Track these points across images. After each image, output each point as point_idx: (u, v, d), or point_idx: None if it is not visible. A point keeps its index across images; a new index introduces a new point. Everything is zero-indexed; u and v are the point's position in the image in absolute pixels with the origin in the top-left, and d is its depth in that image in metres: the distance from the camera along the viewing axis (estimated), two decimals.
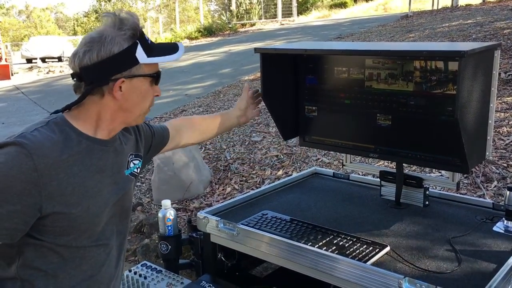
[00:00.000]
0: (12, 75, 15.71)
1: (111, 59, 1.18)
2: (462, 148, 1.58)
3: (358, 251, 1.55)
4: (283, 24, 16.76)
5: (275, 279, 1.95)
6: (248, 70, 8.55)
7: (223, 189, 3.86)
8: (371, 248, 1.57)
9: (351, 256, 1.51)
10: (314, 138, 2.09)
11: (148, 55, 1.22)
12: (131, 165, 1.38)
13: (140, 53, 1.21)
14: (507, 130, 3.43)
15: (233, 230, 1.76)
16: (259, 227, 1.75)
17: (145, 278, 1.94)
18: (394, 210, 1.91)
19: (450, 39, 6.92)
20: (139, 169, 1.42)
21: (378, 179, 2.03)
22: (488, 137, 1.73)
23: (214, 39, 16.09)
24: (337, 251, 1.54)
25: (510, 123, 3.52)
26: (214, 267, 1.90)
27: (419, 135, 1.75)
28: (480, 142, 1.71)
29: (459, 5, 12.47)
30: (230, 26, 17.35)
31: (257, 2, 17.77)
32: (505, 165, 2.99)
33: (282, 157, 4.07)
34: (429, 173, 2.94)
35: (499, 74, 4.47)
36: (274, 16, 18.10)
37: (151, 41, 1.26)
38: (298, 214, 1.89)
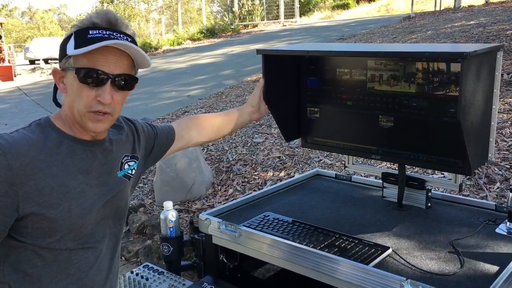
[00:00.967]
0: (15, 76, 15.76)
1: (60, 47, 1.19)
2: (464, 150, 1.58)
3: (360, 253, 1.54)
4: (285, 26, 16.76)
5: (277, 281, 1.95)
6: (250, 71, 8.55)
7: (225, 191, 3.86)
8: (373, 250, 1.57)
9: (353, 258, 1.51)
10: (316, 139, 2.09)
11: (77, 47, 1.13)
12: (126, 166, 1.35)
13: (70, 44, 1.14)
14: (509, 132, 3.42)
15: (235, 231, 1.76)
16: (261, 229, 1.75)
17: (146, 279, 1.94)
18: (396, 211, 1.90)
19: (453, 40, 6.91)
20: (134, 171, 1.38)
21: (380, 181, 2.03)
22: (491, 139, 1.73)
23: (217, 40, 16.10)
24: (339, 253, 1.54)
25: None
26: (216, 269, 1.90)
27: (421, 137, 1.74)
28: (482, 144, 1.71)
29: (461, 6, 12.45)
30: (233, 27, 17.36)
31: (260, 3, 17.76)
32: (508, 166, 2.99)
33: (284, 158, 4.07)
34: (431, 174, 2.93)
35: (502, 75, 4.47)
36: (277, 17, 18.10)
37: (100, 37, 1.13)
38: (300, 216, 1.89)
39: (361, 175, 2.72)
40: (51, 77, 15.06)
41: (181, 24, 22.69)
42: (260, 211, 1.96)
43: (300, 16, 18.30)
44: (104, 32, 1.14)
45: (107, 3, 26.94)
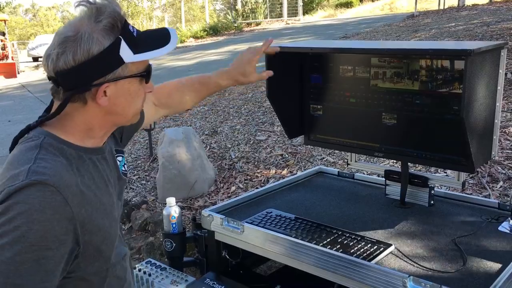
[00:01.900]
0: (18, 73, 15.79)
1: (91, 61, 1.00)
2: (467, 148, 1.57)
3: (362, 249, 1.55)
4: (288, 24, 16.75)
5: (279, 278, 1.95)
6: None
7: (227, 188, 3.87)
8: (375, 247, 1.57)
9: (355, 254, 1.51)
10: (319, 136, 2.09)
11: (135, 51, 1.04)
12: (118, 163, 1.26)
13: (124, 51, 1.03)
14: None
15: (237, 228, 1.76)
16: (263, 225, 1.75)
17: (149, 275, 1.94)
18: (399, 209, 1.90)
19: (456, 38, 6.89)
20: (125, 166, 1.29)
21: (383, 178, 2.03)
22: (494, 137, 1.73)
23: (220, 38, 16.10)
24: (341, 250, 1.54)
25: None
26: (218, 265, 1.90)
27: (424, 134, 1.74)
28: (486, 142, 1.71)
29: (465, 5, 12.42)
30: (236, 25, 17.35)
31: (263, 1, 17.77)
32: (511, 165, 2.98)
33: (287, 156, 4.07)
34: (434, 172, 2.93)
35: (506, 74, 4.45)
36: (280, 15, 18.09)
37: (136, 30, 1.08)
38: (302, 213, 1.89)
39: (364, 173, 2.73)
40: None
41: (184, 22, 22.69)
42: (262, 207, 1.96)
43: (303, 14, 18.29)
44: (131, 25, 1.08)
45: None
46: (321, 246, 1.56)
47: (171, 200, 2.02)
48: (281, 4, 18.11)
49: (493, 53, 1.62)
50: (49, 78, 1.05)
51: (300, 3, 17.77)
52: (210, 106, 6.50)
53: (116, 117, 1.12)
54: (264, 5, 17.74)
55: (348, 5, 20.61)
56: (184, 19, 23.45)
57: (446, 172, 2.85)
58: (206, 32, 17.27)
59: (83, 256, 1.04)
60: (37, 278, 0.93)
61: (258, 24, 17.60)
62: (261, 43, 1.68)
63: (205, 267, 1.99)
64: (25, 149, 1.02)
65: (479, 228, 1.71)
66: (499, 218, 1.77)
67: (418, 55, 1.69)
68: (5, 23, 18.02)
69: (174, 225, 2.00)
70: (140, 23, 26.06)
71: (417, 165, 2.99)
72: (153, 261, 2.06)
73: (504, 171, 2.93)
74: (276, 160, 4.04)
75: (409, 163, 1.92)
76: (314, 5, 22.17)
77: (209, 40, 16.22)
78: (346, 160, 2.28)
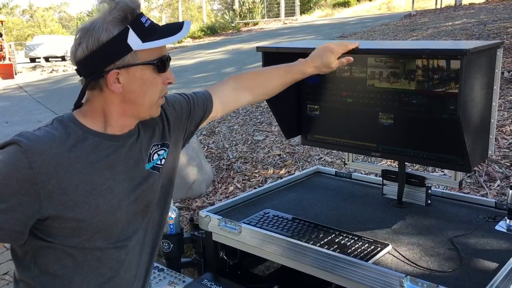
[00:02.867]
0: (15, 74, 15.75)
1: (101, 49, 1.08)
2: (464, 147, 1.58)
3: (359, 249, 1.55)
4: (286, 23, 16.75)
5: (277, 278, 1.95)
6: (251, 69, 8.56)
7: (225, 188, 3.87)
8: (372, 246, 1.57)
9: (352, 254, 1.51)
10: (316, 136, 2.09)
11: (144, 40, 1.09)
12: (155, 157, 1.27)
13: (133, 39, 1.09)
14: (510, 129, 3.42)
15: (235, 228, 1.76)
16: (260, 226, 1.75)
17: None
18: (396, 209, 1.91)
19: (453, 38, 6.90)
20: (164, 160, 1.28)
21: (380, 178, 2.03)
22: (491, 136, 1.73)
23: (217, 38, 16.10)
24: (338, 250, 1.54)
25: None
26: (216, 266, 1.90)
27: (421, 134, 1.74)
28: (482, 141, 1.71)
29: (462, 4, 12.44)
30: (233, 25, 17.35)
31: (260, 1, 17.77)
32: (508, 164, 2.99)
33: (284, 156, 4.07)
34: (431, 172, 2.93)
35: (502, 73, 4.46)
36: (277, 15, 18.09)
37: (151, 22, 1.13)
38: (300, 213, 1.89)
39: (361, 173, 2.73)
40: (52, 75, 15.11)
41: None
42: (260, 208, 1.96)
43: (301, 14, 18.29)
44: (146, 17, 1.13)
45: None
46: (318, 246, 1.57)
47: None
48: (278, 4, 18.11)
49: (489, 52, 1.63)
50: (75, 69, 1.15)
51: (297, 2, 17.77)
52: None
53: (132, 107, 1.16)
54: (261, 5, 17.74)
55: (345, 4, 20.62)
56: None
57: (443, 172, 2.86)
58: (203, 32, 17.26)
59: (56, 225, 1.09)
60: None
61: (255, 24, 17.60)
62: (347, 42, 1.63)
63: (202, 268, 1.99)
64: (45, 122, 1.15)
65: (476, 227, 1.71)
66: (496, 217, 1.78)
67: (414, 55, 1.69)
68: (1, 24, 17.96)
69: (171, 226, 1.99)
70: None
71: (414, 164, 3.00)
72: None
73: (501, 170, 2.94)
74: (274, 160, 4.05)
75: (406, 163, 1.92)
76: (311, 5, 22.18)
77: (206, 40, 16.21)
78: (343, 160, 2.28)
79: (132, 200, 1.20)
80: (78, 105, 1.18)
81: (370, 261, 1.48)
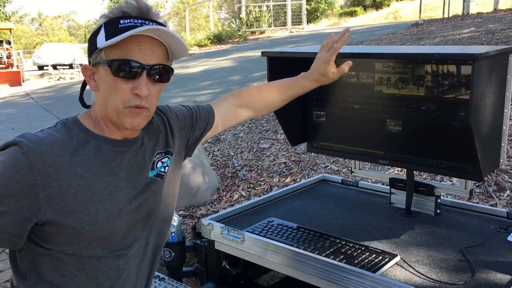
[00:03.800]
0: (23, 81, 15.85)
1: (88, 42, 1.14)
2: (475, 155, 1.53)
3: (366, 260, 1.50)
4: (292, 32, 16.77)
5: None
6: (257, 77, 8.53)
7: (230, 196, 3.82)
8: (380, 257, 1.52)
9: (359, 265, 1.46)
10: (322, 144, 2.05)
11: (107, 38, 1.06)
12: (158, 164, 1.25)
13: (100, 37, 1.08)
14: None
15: (238, 237, 1.72)
16: (264, 235, 1.71)
17: None
18: (404, 218, 1.85)
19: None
20: (167, 168, 1.27)
21: (388, 187, 1.98)
22: (502, 144, 1.68)
23: (224, 46, 16.13)
24: (345, 260, 1.49)
25: None
26: (218, 275, 1.86)
27: (430, 141, 1.69)
28: (493, 149, 1.66)
29: (470, 13, 12.39)
30: (240, 33, 17.39)
31: (267, 10, 17.78)
32: None
33: (290, 164, 4.02)
34: (440, 181, 2.87)
35: None
36: (284, 24, 18.11)
37: (130, 26, 1.06)
38: (305, 222, 1.84)
39: (368, 181, 2.68)
40: (59, 82, 15.19)
41: (188, 31, 22.78)
42: (264, 216, 1.91)
43: (307, 23, 18.31)
44: (136, 21, 1.07)
45: None
46: (323, 256, 1.52)
47: None
48: (285, 13, 18.14)
49: (501, 58, 1.58)
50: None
51: (304, 11, 17.79)
52: None
53: (104, 109, 1.13)
54: (268, 13, 17.77)
55: (352, 14, 20.66)
56: (188, 28, 23.54)
57: (452, 181, 2.80)
58: (210, 41, 17.30)
59: (54, 230, 1.07)
60: None
61: (262, 32, 17.62)
62: (336, 39, 1.52)
63: (205, 278, 1.94)
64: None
65: (488, 238, 1.66)
66: (508, 228, 1.72)
67: (423, 60, 1.65)
68: (10, 31, 18.13)
69: (173, 234, 1.95)
70: None
71: (422, 174, 2.94)
72: None
73: (511, 180, 2.88)
74: (280, 168, 4.00)
75: (414, 171, 1.87)
76: (318, 14, 22.22)
77: (213, 48, 16.25)
78: (350, 168, 2.23)
79: (133, 208, 1.17)
80: (83, 103, 1.21)
81: (378, 272, 1.43)
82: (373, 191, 2.18)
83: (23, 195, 1.02)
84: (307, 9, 18.70)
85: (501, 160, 1.69)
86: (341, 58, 1.88)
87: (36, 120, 8.70)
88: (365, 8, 23.01)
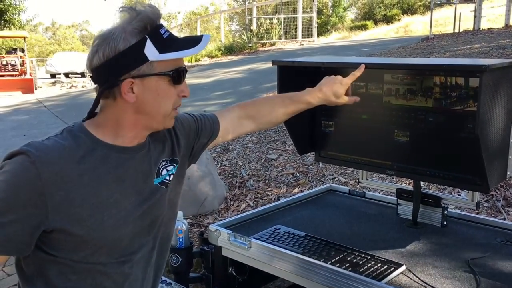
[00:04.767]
0: (36, 89, 16.02)
1: (117, 57, 1.08)
2: (482, 167, 1.54)
3: (372, 269, 1.50)
4: (303, 45, 16.84)
5: None
6: (267, 88, 8.57)
7: (237, 206, 3.83)
8: (386, 266, 1.52)
9: (365, 274, 1.47)
10: (330, 153, 2.06)
11: (161, 51, 1.09)
12: (163, 172, 1.26)
13: (149, 49, 1.08)
14: None
15: (244, 243, 1.73)
16: (271, 242, 1.72)
17: None
18: (410, 229, 1.86)
19: None
20: (172, 176, 1.28)
21: (395, 198, 1.98)
22: (510, 156, 1.68)
23: (234, 57, 16.22)
24: (350, 268, 1.50)
25: None
26: (224, 282, 1.87)
27: (437, 153, 1.70)
28: (501, 161, 1.66)
29: (481, 29, 12.38)
30: (250, 45, 17.50)
31: (278, 22, 17.89)
32: None
33: (298, 175, 4.03)
34: (448, 193, 2.87)
35: None
36: (294, 36, 18.20)
37: (170, 34, 1.13)
38: (312, 230, 1.85)
39: (376, 192, 2.68)
40: (71, 90, 15.34)
41: None
42: (271, 224, 1.92)
43: (318, 36, 18.38)
44: (165, 29, 1.13)
45: None
46: (330, 264, 1.52)
47: (178, 214, 2.00)
48: (295, 25, 18.24)
49: (509, 70, 1.59)
50: (90, 77, 1.15)
51: (314, 24, 17.88)
52: None
53: (145, 117, 1.16)
54: (279, 26, 17.87)
55: (362, 27, 20.71)
56: None
57: (459, 194, 2.80)
58: (221, 52, 17.42)
59: (61, 238, 1.08)
60: None
61: (272, 44, 17.71)
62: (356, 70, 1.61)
63: (211, 284, 1.95)
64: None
65: (494, 250, 1.65)
66: None
67: (432, 71, 1.66)
68: (24, 40, 18.37)
69: (180, 240, 1.97)
70: None
71: (429, 186, 2.94)
72: None
73: None
74: (287, 179, 4.01)
75: (421, 183, 1.88)
76: (328, 27, 22.31)
77: (224, 59, 16.35)
78: (357, 179, 2.24)
79: (139, 215, 1.19)
80: (92, 114, 1.17)
81: (383, 281, 1.44)
82: (380, 202, 2.18)
83: (31, 204, 1.03)
84: (317, 22, 18.78)
85: (508, 173, 1.70)
86: (351, 68, 1.91)
87: (48, 127, 8.78)
88: (376, 22, 23.08)
